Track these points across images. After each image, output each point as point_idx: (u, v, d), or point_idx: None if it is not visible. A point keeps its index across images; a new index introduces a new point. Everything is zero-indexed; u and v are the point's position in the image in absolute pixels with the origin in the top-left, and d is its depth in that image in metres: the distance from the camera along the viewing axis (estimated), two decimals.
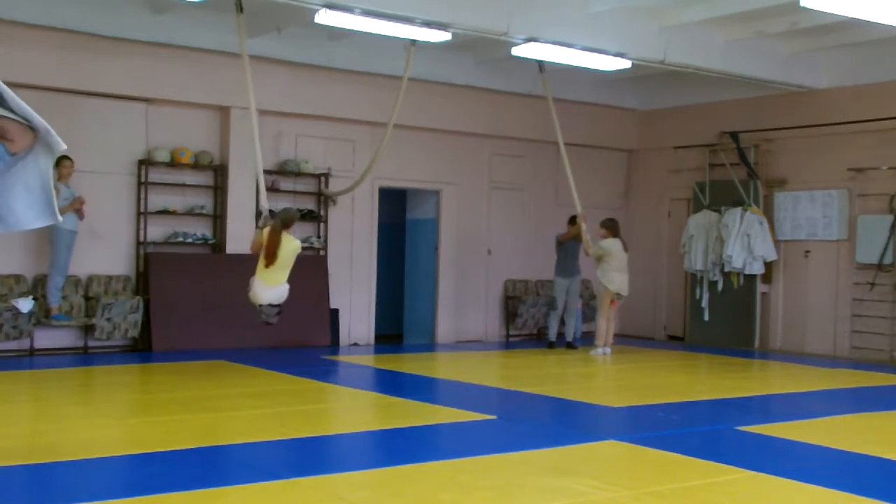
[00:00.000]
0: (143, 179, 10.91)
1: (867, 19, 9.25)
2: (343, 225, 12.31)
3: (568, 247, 12.34)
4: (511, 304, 13.70)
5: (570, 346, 12.42)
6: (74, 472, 4.92)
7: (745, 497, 4.90)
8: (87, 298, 10.57)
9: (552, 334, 12.54)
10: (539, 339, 12.85)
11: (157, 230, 11.10)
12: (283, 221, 8.13)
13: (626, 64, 11.10)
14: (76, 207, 9.93)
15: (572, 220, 12.21)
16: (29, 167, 4.22)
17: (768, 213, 13.08)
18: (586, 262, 12.38)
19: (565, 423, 7.13)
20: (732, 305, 13.30)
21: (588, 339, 13.99)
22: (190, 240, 11.17)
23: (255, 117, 9.26)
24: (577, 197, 11.62)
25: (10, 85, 10.50)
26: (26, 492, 4.06)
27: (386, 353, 11.83)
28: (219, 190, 11.40)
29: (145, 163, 10.91)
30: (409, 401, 7.82)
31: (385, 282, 13.11)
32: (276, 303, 8.13)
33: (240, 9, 9.06)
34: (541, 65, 11.48)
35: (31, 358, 10.01)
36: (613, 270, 11.71)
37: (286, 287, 8.14)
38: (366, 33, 9.99)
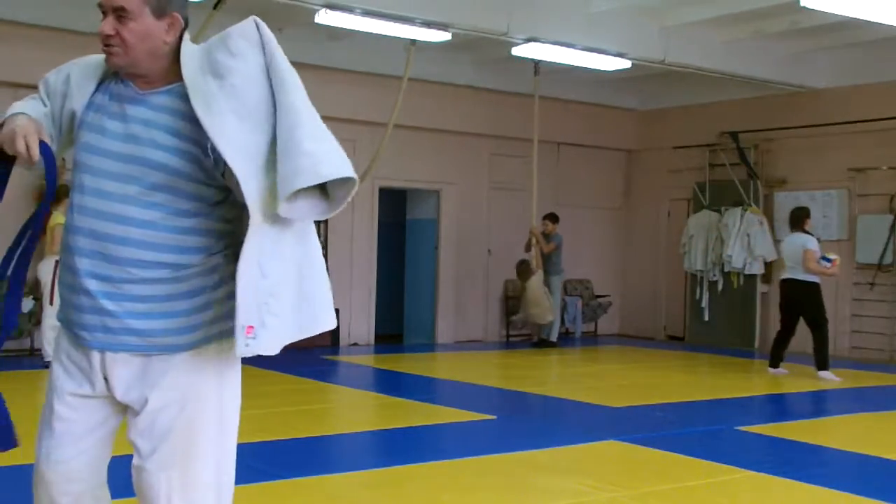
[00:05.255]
0: None
1: (867, 19, 9.25)
2: (343, 225, 12.31)
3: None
4: (511, 305, 13.69)
5: (551, 343, 12.55)
6: None
7: (745, 497, 4.90)
8: None
9: (555, 334, 12.67)
10: (541, 341, 12.84)
11: None
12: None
13: (626, 64, 11.10)
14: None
15: (550, 217, 12.66)
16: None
17: (768, 213, 13.08)
18: (567, 260, 12.93)
19: (565, 423, 7.13)
20: (732, 305, 13.30)
21: (588, 339, 14.01)
22: None
23: None
24: (535, 209, 12.23)
25: (10, 85, 10.46)
26: (25, 492, 4.05)
27: (386, 353, 11.83)
28: None
29: None
30: (409, 401, 7.82)
31: (385, 282, 13.10)
32: None
33: (216, 6, 9.17)
34: (536, 67, 11.51)
35: (31, 358, 10.01)
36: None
37: None
38: (366, 33, 9.99)
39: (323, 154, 2.18)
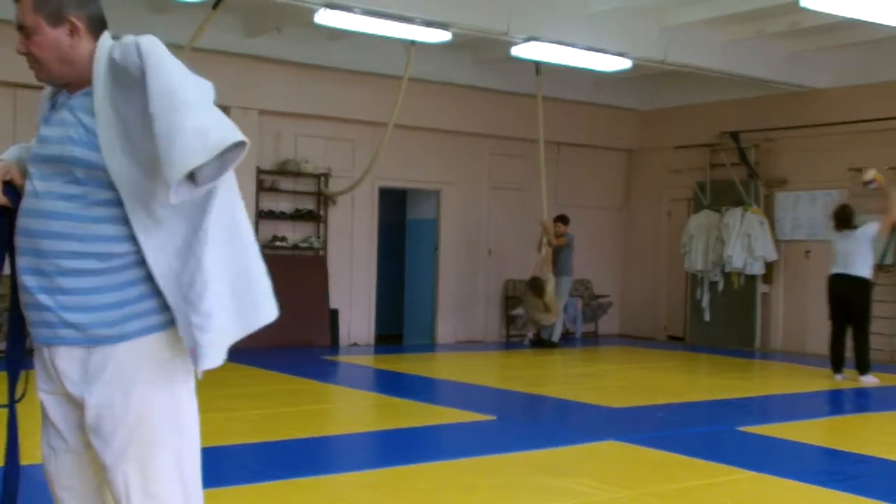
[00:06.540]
0: None
1: (867, 19, 9.25)
2: (343, 225, 12.31)
3: (561, 247, 12.55)
4: (511, 305, 13.70)
5: (552, 344, 12.59)
6: None
7: (745, 497, 4.89)
8: None
9: (557, 335, 12.74)
10: (540, 341, 12.85)
11: None
12: None
13: (626, 64, 11.10)
14: None
15: (561, 219, 12.66)
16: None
17: (769, 213, 13.08)
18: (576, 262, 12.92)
19: (565, 423, 7.12)
20: (733, 305, 13.29)
21: (589, 339, 14.01)
22: None
23: None
24: (546, 203, 12.17)
25: (10, 85, 10.45)
26: (21, 493, 4.05)
27: (386, 353, 11.83)
28: None
29: None
30: (409, 401, 7.82)
31: (385, 282, 13.11)
32: None
33: (215, 5, 9.17)
34: (538, 67, 11.51)
35: (31, 358, 10.00)
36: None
37: None
38: (366, 33, 9.99)
39: (211, 126, 2.25)
